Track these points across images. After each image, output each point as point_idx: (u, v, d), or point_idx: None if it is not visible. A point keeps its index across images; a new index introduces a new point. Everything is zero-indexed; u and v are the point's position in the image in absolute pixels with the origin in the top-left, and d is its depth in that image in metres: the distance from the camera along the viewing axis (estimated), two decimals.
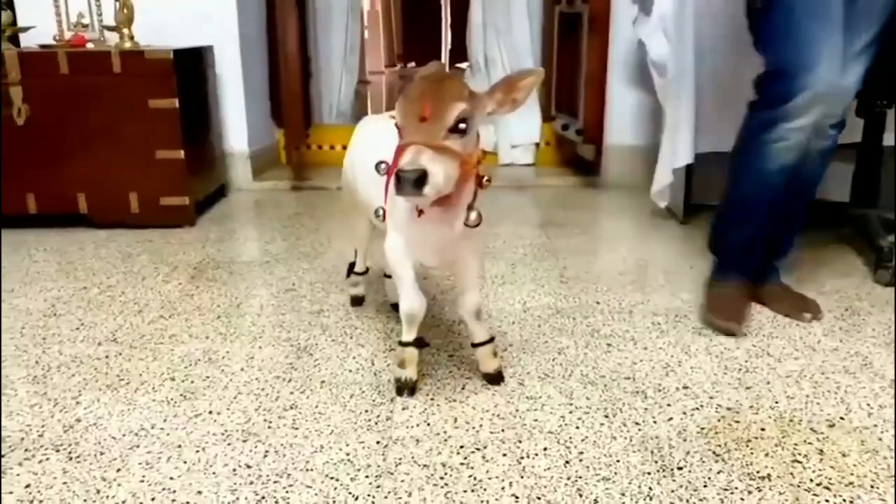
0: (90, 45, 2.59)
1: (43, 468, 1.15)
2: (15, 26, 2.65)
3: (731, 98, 2.39)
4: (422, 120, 1.07)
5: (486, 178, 1.19)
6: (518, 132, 3.34)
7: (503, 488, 1.09)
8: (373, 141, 1.43)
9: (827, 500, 1.05)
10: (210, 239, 2.38)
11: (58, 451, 1.19)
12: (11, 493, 1.09)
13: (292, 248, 2.27)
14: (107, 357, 1.53)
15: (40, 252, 2.25)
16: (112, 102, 2.38)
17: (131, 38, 2.54)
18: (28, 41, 2.68)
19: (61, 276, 2.04)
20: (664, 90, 2.47)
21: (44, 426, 1.27)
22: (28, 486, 1.10)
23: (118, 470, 1.14)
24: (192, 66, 2.59)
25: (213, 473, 1.13)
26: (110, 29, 2.61)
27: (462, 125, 1.09)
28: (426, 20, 9.03)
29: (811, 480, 1.10)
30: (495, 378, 1.40)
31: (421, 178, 1.03)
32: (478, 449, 1.19)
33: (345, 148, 3.57)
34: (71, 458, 1.17)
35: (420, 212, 1.19)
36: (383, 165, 1.29)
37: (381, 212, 1.32)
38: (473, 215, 1.18)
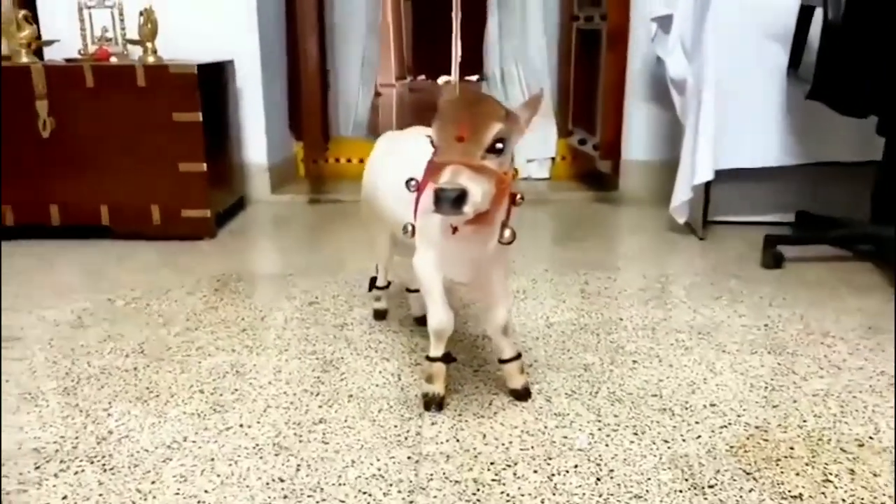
0: (113, 59, 2.62)
1: (79, 480, 1.16)
2: (39, 40, 2.68)
3: (750, 115, 2.43)
4: (459, 139, 1.08)
5: (519, 195, 1.20)
6: (534, 146, 3.35)
7: None
8: (399, 157, 1.44)
9: None
10: (231, 251, 2.40)
11: (92, 462, 1.21)
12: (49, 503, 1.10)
13: (313, 261, 2.28)
14: (135, 369, 1.55)
15: (64, 264, 2.27)
16: (136, 116, 2.41)
17: (154, 52, 2.57)
18: (51, 55, 2.72)
19: (86, 287, 2.06)
20: (684, 107, 2.49)
21: (77, 438, 1.28)
22: (65, 497, 1.12)
23: (153, 482, 1.15)
24: (214, 80, 2.61)
25: (247, 487, 1.14)
26: (134, 43, 2.64)
27: (499, 145, 1.10)
28: (436, 33, 9.08)
29: (843, 501, 1.10)
30: (523, 394, 1.40)
31: (461, 197, 1.05)
32: (508, 466, 1.19)
33: (362, 161, 3.58)
34: (105, 470, 1.18)
35: (454, 229, 1.20)
36: (413, 182, 1.31)
37: (409, 228, 1.33)
38: (507, 233, 1.20)
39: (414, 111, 6.49)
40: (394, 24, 9.03)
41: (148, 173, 2.46)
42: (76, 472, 1.18)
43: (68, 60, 2.57)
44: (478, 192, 1.07)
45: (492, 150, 1.10)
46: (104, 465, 1.20)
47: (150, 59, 2.54)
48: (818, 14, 2.12)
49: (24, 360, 1.60)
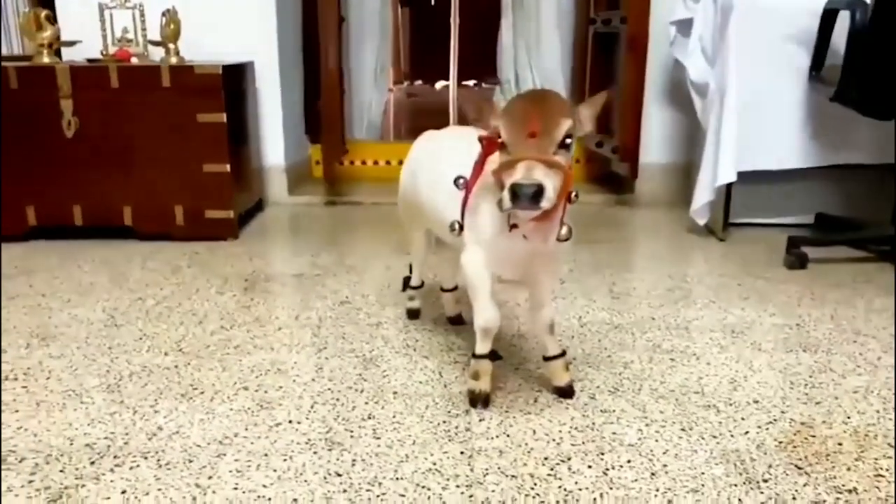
0: (134, 60, 2.63)
1: (135, 475, 1.16)
2: (59, 40, 2.68)
3: (772, 117, 2.45)
4: (532, 135, 1.09)
5: (574, 193, 1.21)
6: None
7: (595, 499, 1.10)
8: (442, 155, 1.45)
9: None
10: (256, 252, 2.40)
11: (146, 458, 1.21)
12: (109, 498, 1.10)
13: (339, 261, 2.29)
14: (176, 367, 1.55)
15: (89, 263, 2.27)
16: (160, 116, 2.41)
17: (177, 53, 2.58)
18: (72, 55, 2.72)
19: (114, 287, 2.06)
20: (705, 110, 2.51)
21: (127, 434, 1.28)
22: (124, 491, 1.12)
23: (209, 477, 1.16)
24: (236, 81, 2.62)
25: (305, 482, 1.14)
26: (156, 44, 2.64)
27: (568, 140, 1.12)
28: (433, 39, 9.09)
29: None
30: (567, 392, 1.41)
31: (538, 192, 1.06)
32: (562, 461, 1.20)
33: (377, 164, 3.58)
34: (161, 466, 1.19)
35: (513, 226, 1.21)
36: (462, 180, 1.32)
37: (456, 226, 1.34)
38: (564, 230, 1.21)
39: (419, 114, 6.51)
40: (392, 29, 9.03)
41: (171, 174, 2.46)
42: (131, 468, 1.18)
43: (90, 61, 2.57)
44: (551, 187, 1.08)
45: (562, 145, 1.11)
46: (159, 460, 1.20)
47: (173, 60, 2.54)
48: (841, 17, 2.15)
49: (63, 357, 1.60)
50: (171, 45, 2.58)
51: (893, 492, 1.11)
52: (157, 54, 2.67)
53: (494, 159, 1.27)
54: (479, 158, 1.31)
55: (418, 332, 1.73)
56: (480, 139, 1.30)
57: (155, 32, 2.63)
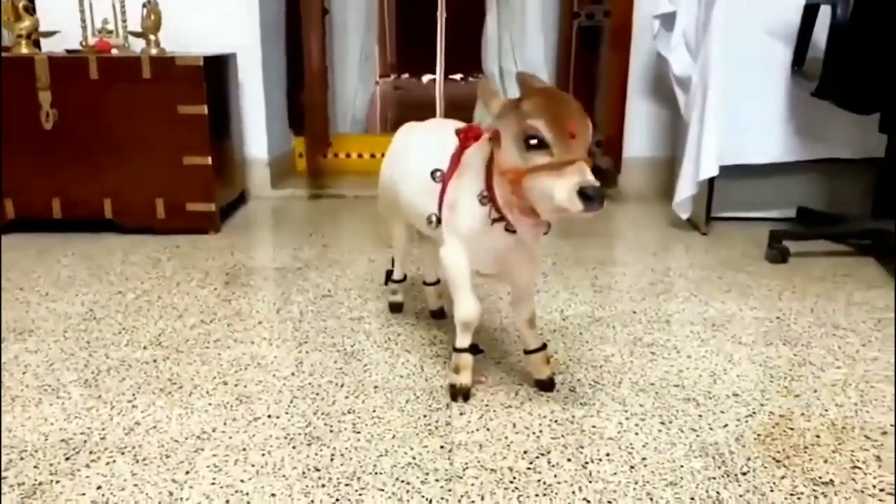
0: (114, 51, 2.60)
1: (111, 470, 1.15)
2: (38, 31, 2.64)
3: (754, 111, 2.46)
4: (572, 136, 1.09)
5: None
6: None
7: (573, 493, 1.10)
8: (422, 148, 1.44)
9: None
10: (238, 245, 2.38)
11: (122, 453, 1.20)
12: (84, 494, 1.09)
13: (322, 255, 2.28)
14: (155, 361, 1.54)
15: (68, 257, 2.24)
16: (141, 108, 2.39)
17: (158, 44, 2.55)
18: (51, 46, 2.68)
19: (94, 280, 2.04)
20: (688, 104, 2.51)
21: (104, 429, 1.27)
22: (100, 487, 1.11)
23: (187, 472, 1.15)
24: (218, 73, 2.60)
25: (284, 476, 1.14)
26: (136, 35, 2.61)
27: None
28: (420, 32, 9.06)
29: (874, 486, 1.12)
30: (548, 385, 1.41)
31: (604, 193, 1.08)
32: (542, 454, 1.20)
33: (361, 157, 3.56)
34: (137, 461, 1.18)
35: (496, 220, 1.21)
36: (438, 174, 1.31)
37: (433, 218, 1.33)
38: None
39: (406, 107, 6.49)
40: (377, 21, 8.98)
41: (152, 166, 2.43)
42: (108, 463, 1.17)
43: (69, 52, 2.54)
44: None
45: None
46: (135, 455, 1.19)
47: (154, 52, 2.51)
48: (822, 12, 2.16)
49: (39, 352, 1.58)
50: (152, 37, 2.55)
51: (894, 492, 1.11)
52: (137, 46, 2.64)
53: (475, 154, 1.27)
54: (455, 151, 1.30)
55: (400, 326, 1.73)
56: (457, 132, 1.30)
57: (136, 23, 2.60)
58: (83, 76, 2.36)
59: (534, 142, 1.10)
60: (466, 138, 1.28)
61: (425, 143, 1.45)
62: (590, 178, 1.08)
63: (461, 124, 1.34)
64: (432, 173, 1.32)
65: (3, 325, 1.72)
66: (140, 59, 2.37)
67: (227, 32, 2.85)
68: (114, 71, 2.37)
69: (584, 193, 1.07)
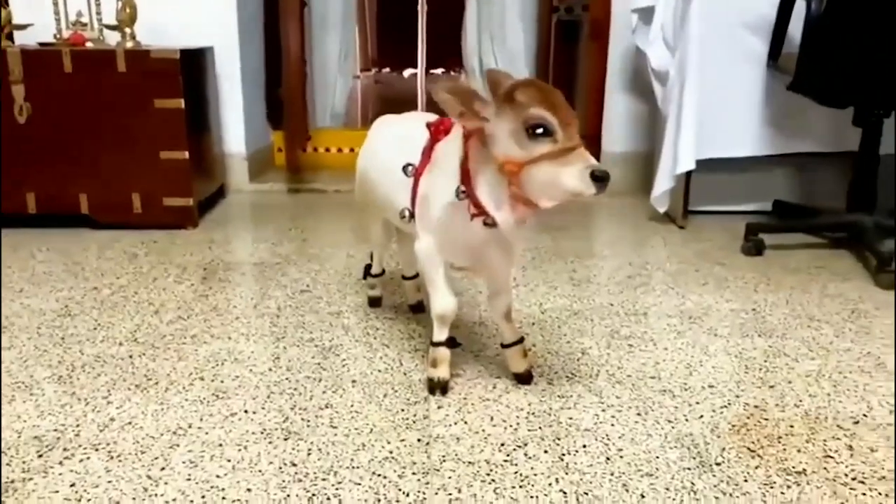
0: (89, 45, 2.56)
1: (85, 467, 1.14)
2: (11, 24, 2.60)
3: (730, 105, 2.47)
4: (569, 125, 1.11)
5: None
6: None
7: (550, 484, 1.11)
8: (396, 142, 1.43)
9: (864, 494, 1.09)
10: (216, 240, 2.37)
11: (97, 450, 1.19)
12: (57, 492, 1.08)
13: (300, 249, 2.27)
14: (130, 357, 1.53)
15: (43, 252, 2.22)
16: (116, 102, 2.36)
17: (133, 37, 2.52)
18: (24, 39, 2.64)
19: (69, 276, 2.01)
20: (665, 98, 2.52)
21: (79, 425, 1.26)
22: (73, 484, 1.10)
23: (162, 468, 1.14)
24: (195, 67, 2.58)
25: (260, 472, 1.13)
26: (111, 28, 2.58)
27: None
28: (401, 26, 9.02)
29: (846, 475, 1.14)
30: (525, 378, 1.42)
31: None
32: (519, 447, 1.20)
33: (340, 151, 3.55)
34: (112, 458, 1.17)
35: (475, 214, 1.21)
36: (410, 168, 1.31)
37: (406, 213, 1.33)
38: None
39: (387, 102, 6.46)
40: (358, 15, 8.94)
41: (128, 161, 2.41)
42: (81, 460, 1.16)
43: (43, 45, 2.51)
44: None
45: None
46: (110, 452, 1.18)
47: (129, 45, 2.49)
48: (798, 6, 2.17)
49: (13, 348, 1.56)
50: (128, 30, 2.52)
51: (894, 492, 1.13)
52: (112, 39, 2.61)
53: (446, 148, 1.26)
54: (427, 145, 1.30)
55: (379, 321, 1.72)
56: (428, 125, 1.29)
57: (110, 16, 2.57)
58: (57, 69, 2.33)
59: (539, 130, 1.11)
60: (437, 132, 1.28)
61: (398, 137, 1.44)
62: (595, 161, 1.11)
63: (437, 117, 1.34)
64: (404, 167, 1.32)
65: None
66: (115, 53, 2.35)
67: (204, 25, 2.83)
68: (88, 64, 2.35)
69: (595, 176, 1.09)
